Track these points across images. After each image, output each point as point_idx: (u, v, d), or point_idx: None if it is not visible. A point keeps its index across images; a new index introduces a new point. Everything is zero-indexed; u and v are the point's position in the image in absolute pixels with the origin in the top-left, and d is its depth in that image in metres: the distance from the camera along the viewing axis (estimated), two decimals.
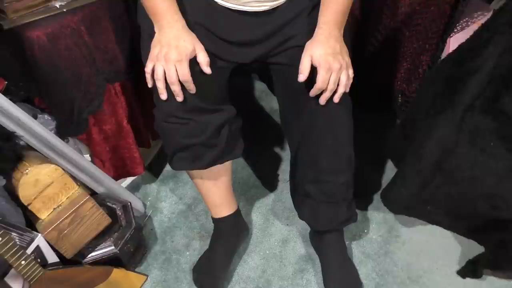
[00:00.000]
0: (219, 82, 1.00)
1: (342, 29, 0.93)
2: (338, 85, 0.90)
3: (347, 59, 0.91)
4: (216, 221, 1.20)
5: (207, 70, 0.90)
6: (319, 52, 0.88)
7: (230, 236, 1.20)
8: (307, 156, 1.05)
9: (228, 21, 0.95)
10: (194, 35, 0.90)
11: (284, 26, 0.97)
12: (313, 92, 0.91)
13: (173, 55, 0.86)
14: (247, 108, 1.54)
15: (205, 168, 1.03)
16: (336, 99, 0.92)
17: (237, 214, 1.22)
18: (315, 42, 0.90)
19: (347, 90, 0.93)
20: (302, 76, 0.89)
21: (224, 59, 0.99)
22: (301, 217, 1.20)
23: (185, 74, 0.87)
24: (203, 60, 0.89)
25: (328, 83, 0.89)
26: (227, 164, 1.11)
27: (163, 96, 0.91)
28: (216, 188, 1.14)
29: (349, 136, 1.02)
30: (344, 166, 1.05)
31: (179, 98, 0.90)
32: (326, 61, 0.87)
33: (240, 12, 0.94)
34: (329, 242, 1.17)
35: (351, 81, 0.92)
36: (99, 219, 1.12)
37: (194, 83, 0.89)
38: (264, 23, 0.96)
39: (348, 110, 1.00)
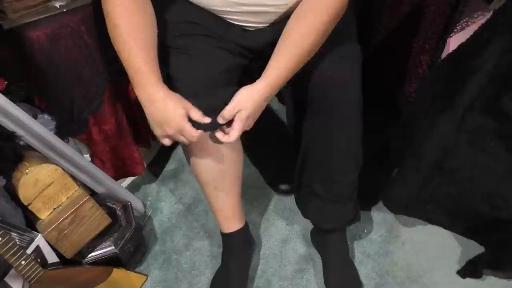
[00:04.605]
0: (228, 62, 0.96)
1: (276, 91, 0.88)
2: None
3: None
4: (228, 236, 1.18)
5: (206, 120, 0.87)
6: (247, 111, 0.85)
7: (243, 251, 1.19)
8: (318, 156, 1.05)
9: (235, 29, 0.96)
10: (177, 96, 0.85)
11: None
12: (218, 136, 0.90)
13: (172, 130, 0.85)
14: None
15: None
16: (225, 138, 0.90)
17: (247, 228, 1.21)
18: (250, 98, 0.86)
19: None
20: (221, 119, 0.87)
21: (233, 41, 0.96)
22: (305, 215, 1.20)
23: (193, 137, 0.86)
24: (197, 117, 0.86)
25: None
26: (239, 173, 1.12)
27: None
28: (229, 199, 1.13)
29: (360, 136, 1.02)
30: (354, 166, 1.06)
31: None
32: (246, 122, 0.87)
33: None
34: (332, 242, 1.17)
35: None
36: (99, 219, 1.12)
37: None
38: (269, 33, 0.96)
39: (361, 110, 0.99)
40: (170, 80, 0.92)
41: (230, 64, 0.95)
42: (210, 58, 0.93)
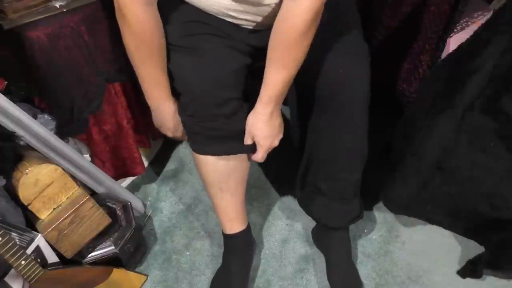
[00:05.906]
0: (238, 63, 0.97)
1: (281, 101, 0.93)
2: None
3: (281, 135, 0.98)
4: (230, 237, 1.17)
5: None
6: (261, 134, 0.94)
7: (245, 252, 1.19)
8: (324, 155, 1.05)
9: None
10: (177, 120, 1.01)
11: None
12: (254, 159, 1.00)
13: (170, 133, 1.06)
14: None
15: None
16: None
17: (249, 229, 1.21)
18: (257, 121, 0.93)
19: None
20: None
21: (243, 41, 0.96)
22: (309, 214, 1.19)
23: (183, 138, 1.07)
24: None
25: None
26: (245, 175, 1.12)
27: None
28: (234, 200, 1.13)
29: (366, 134, 1.02)
30: (360, 165, 1.06)
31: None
32: (266, 143, 0.95)
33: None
34: (337, 240, 1.17)
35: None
36: (99, 219, 1.12)
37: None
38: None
39: (368, 109, 0.99)
40: (174, 80, 0.92)
41: (240, 63, 0.95)
42: (221, 58, 0.92)
